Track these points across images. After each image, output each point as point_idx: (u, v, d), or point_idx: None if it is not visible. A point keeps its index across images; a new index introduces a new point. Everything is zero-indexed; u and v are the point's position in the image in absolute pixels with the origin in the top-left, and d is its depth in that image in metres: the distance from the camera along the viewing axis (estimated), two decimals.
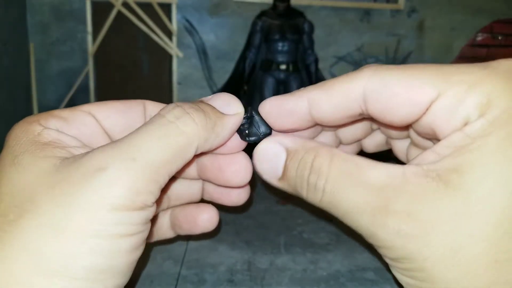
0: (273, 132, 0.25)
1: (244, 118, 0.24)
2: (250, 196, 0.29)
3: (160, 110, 0.21)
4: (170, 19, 0.65)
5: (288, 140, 0.23)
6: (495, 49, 0.72)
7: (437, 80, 0.19)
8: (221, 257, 0.34)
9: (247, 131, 0.25)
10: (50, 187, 0.18)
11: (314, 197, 0.22)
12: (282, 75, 0.64)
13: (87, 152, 0.20)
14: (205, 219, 0.28)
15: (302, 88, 0.24)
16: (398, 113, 0.20)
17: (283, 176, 0.23)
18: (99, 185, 0.18)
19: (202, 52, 0.67)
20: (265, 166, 0.24)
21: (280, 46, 0.63)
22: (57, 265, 0.17)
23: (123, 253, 0.19)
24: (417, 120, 0.20)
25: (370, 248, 0.36)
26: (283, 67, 0.64)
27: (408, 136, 0.27)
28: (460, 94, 0.18)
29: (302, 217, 0.42)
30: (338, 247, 0.36)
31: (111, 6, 0.63)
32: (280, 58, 0.63)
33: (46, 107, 0.64)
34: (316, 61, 0.65)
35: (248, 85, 0.65)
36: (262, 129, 0.25)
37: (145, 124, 0.20)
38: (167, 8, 0.64)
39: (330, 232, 0.39)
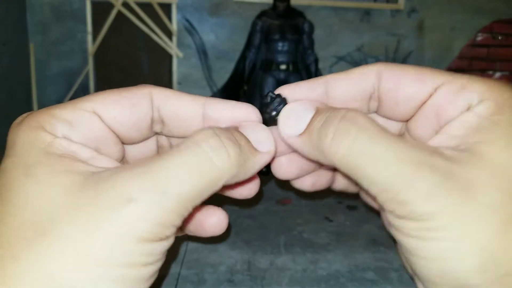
0: None
1: (275, 101, 0.25)
2: (260, 190, 0.28)
3: (196, 134, 0.20)
4: (170, 19, 0.65)
5: (319, 103, 0.24)
6: (495, 49, 0.72)
7: (442, 74, 0.22)
8: (221, 257, 0.34)
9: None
10: (75, 209, 0.18)
11: (341, 143, 0.20)
12: (282, 75, 0.64)
13: (114, 173, 0.19)
14: (213, 223, 0.26)
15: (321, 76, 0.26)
16: (406, 92, 0.23)
17: (305, 131, 0.23)
18: (128, 217, 0.18)
19: (202, 52, 0.67)
20: (289, 121, 0.24)
21: (280, 46, 0.63)
22: None
23: (144, 280, 0.19)
24: (420, 107, 0.23)
25: (370, 248, 0.35)
26: (283, 67, 0.64)
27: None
28: (463, 84, 0.21)
29: (302, 217, 0.42)
30: (338, 247, 0.36)
31: (111, 6, 0.63)
32: (280, 58, 0.64)
33: (46, 107, 0.64)
34: (316, 61, 0.65)
35: (248, 85, 0.65)
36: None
37: (179, 149, 0.20)
38: (167, 8, 0.64)
39: (330, 232, 0.39)
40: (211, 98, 0.25)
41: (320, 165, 0.27)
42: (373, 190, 0.20)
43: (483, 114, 0.20)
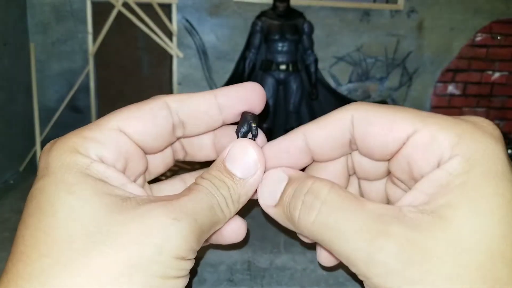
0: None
1: (245, 126, 0.26)
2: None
3: (214, 178, 0.24)
4: (170, 19, 0.65)
5: (293, 170, 0.25)
6: (495, 49, 0.72)
7: (414, 119, 0.21)
8: (221, 256, 0.34)
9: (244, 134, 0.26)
10: (121, 224, 0.19)
11: (307, 217, 0.22)
12: (282, 75, 0.64)
13: (151, 200, 0.21)
14: (231, 230, 0.27)
15: (298, 127, 0.26)
16: (376, 141, 0.22)
17: (278, 202, 0.24)
18: (172, 233, 0.20)
19: (202, 52, 0.67)
20: (265, 191, 0.25)
21: (279, 46, 0.63)
22: None
23: None
24: (396, 153, 0.22)
25: None
26: (283, 67, 0.64)
27: (384, 176, 0.27)
28: (434, 133, 0.21)
29: None
30: None
31: (111, 6, 0.63)
32: (280, 58, 0.64)
33: (47, 107, 0.64)
34: (316, 61, 0.66)
35: None
36: (254, 133, 0.26)
37: (201, 191, 0.23)
38: (167, 8, 0.65)
39: None
40: (219, 88, 0.27)
41: None
42: (343, 261, 0.21)
43: (453, 172, 0.20)
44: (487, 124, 0.21)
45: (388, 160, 0.24)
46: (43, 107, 0.64)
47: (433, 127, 0.21)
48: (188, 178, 0.30)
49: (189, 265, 0.22)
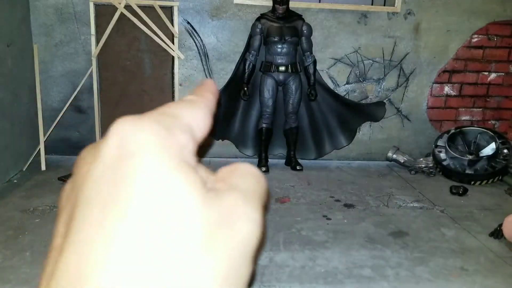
0: None
1: None
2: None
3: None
4: (172, 21, 0.66)
5: None
6: (491, 51, 0.73)
7: None
8: None
9: None
10: (220, 214, 0.20)
11: None
12: (281, 77, 0.65)
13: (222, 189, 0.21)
14: None
15: None
16: None
17: None
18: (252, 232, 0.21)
19: (203, 54, 0.68)
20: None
21: (279, 48, 0.64)
22: None
23: None
24: None
25: (367, 246, 0.37)
26: (282, 68, 0.65)
27: None
28: None
29: (301, 215, 0.44)
30: (335, 244, 0.37)
31: (114, 8, 0.64)
32: (279, 59, 0.65)
33: (50, 107, 0.65)
34: (315, 62, 0.67)
35: (248, 86, 0.66)
36: None
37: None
38: (169, 10, 0.66)
39: (328, 230, 0.40)
40: None
41: None
42: None
43: None
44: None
45: None
46: (46, 107, 0.65)
47: None
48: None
49: None
